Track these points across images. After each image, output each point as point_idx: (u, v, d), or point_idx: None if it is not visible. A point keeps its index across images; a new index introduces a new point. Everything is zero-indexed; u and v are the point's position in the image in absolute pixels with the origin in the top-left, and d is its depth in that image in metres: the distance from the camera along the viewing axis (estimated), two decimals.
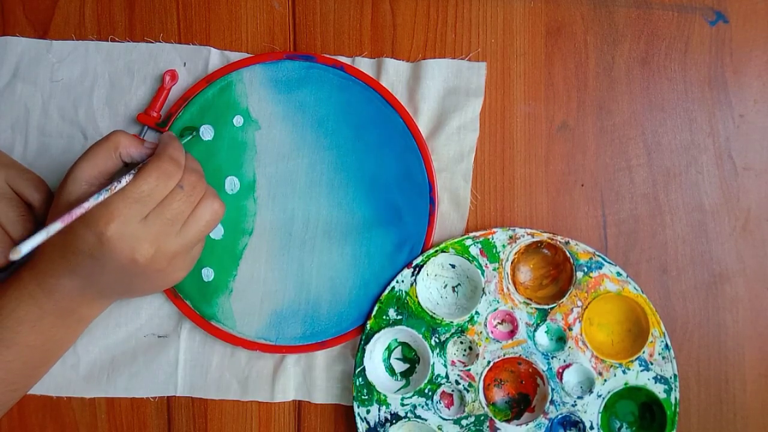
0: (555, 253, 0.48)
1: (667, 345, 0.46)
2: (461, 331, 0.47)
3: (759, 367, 0.48)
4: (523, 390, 0.48)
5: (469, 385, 0.47)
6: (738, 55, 0.50)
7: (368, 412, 0.47)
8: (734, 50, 0.50)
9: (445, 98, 0.49)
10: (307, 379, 0.49)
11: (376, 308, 0.48)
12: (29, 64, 0.51)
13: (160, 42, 0.51)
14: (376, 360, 0.48)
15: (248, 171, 0.49)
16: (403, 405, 0.47)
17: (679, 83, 0.50)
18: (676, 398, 0.46)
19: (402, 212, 0.48)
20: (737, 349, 0.49)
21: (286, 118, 0.49)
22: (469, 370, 0.47)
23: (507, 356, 0.47)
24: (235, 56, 0.50)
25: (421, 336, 0.47)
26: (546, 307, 0.47)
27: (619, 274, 0.47)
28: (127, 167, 0.44)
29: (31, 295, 0.42)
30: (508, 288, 0.47)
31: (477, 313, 0.47)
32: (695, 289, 0.49)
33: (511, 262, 0.47)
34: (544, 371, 0.47)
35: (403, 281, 0.48)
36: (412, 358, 0.49)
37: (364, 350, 0.47)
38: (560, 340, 0.47)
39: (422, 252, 0.48)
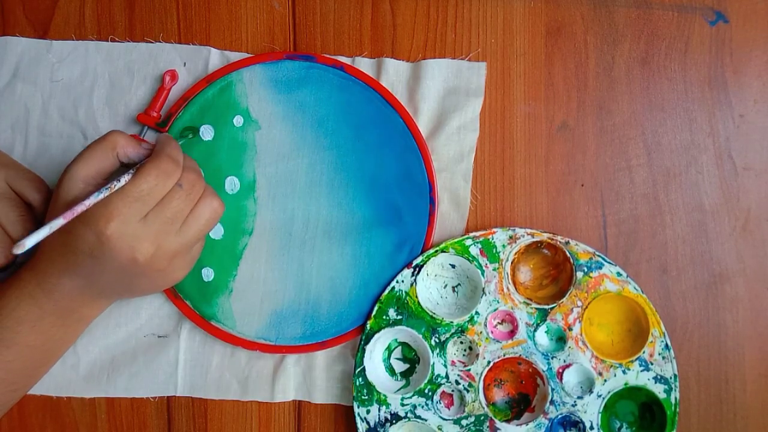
0: (555, 253, 0.48)
1: (667, 345, 0.46)
2: (461, 331, 0.47)
3: (759, 367, 0.48)
4: (523, 390, 0.48)
5: (469, 385, 0.47)
6: (738, 55, 0.50)
7: (368, 412, 0.47)
8: (734, 50, 0.50)
9: (445, 98, 0.49)
10: (307, 379, 0.49)
11: (376, 308, 0.48)
12: (29, 64, 0.51)
13: (160, 42, 0.51)
14: (376, 360, 0.48)
15: (248, 171, 0.49)
16: (403, 405, 0.47)
17: (679, 83, 0.50)
18: (676, 398, 0.46)
19: (402, 212, 0.48)
20: (737, 349, 0.49)
21: (286, 118, 0.49)
22: (469, 370, 0.47)
23: (507, 356, 0.47)
24: (235, 56, 0.50)
25: (421, 336, 0.47)
26: (546, 307, 0.47)
27: (619, 274, 0.47)
28: (124, 167, 0.44)
29: (30, 295, 0.42)
30: (508, 288, 0.47)
31: (477, 313, 0.47)
32: (695, 289, 0.49)
33: (511, 262, 0.47)
34: (544, 371, 0.47)
35: (403, 281, 0.48)
36: (412, 358, 0.49)
37: (364, 350, 0.47)
38: (560, 340, 0.47)
39: (422, 252, 0.48)
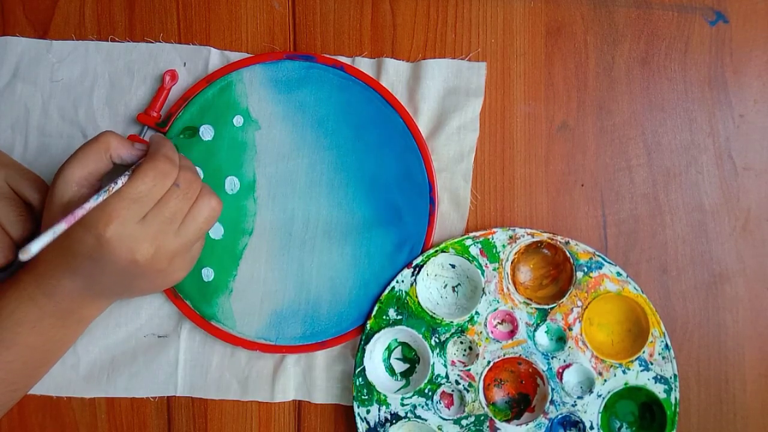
0: (555, 253, 0.48)
1: (667, 345, 0.46)
2: (461, 331, 0.47)
3: (759, 367, 0.48)
4: (523, 390, 0.48)
5: (469, 385, 0.47)
6: (738, 55, 0.50)
7: (368, 412, 0.47)
8: (734, 50, 0.50)
9: (445, 98, 0.49)
10: (307, 379, 0.49)
11: (376, 308, 0.48)
12: (29, 64, 0.51)
13: (160, 42, 0.51)
14: (376, 360, 0.48)
15: (248, 171, 0.49)
16: (403, 405, 0.47)
17: (679, 83, 0.50)
18: (676, 398, 0.46)
19: (402, 212, 0.48)
20: (737, 349, 0.49)
21: (286, 118, 0.49)
22: (469, 370, 0.47)
23: (507, 356, 0.47)
24: (235, 56, 0.50)
25: (421, 336, 0.47)
26: (546, 307, 0.47)
27: (619, 274, 0.47)
28: (117, 167, 0.44)
29: (30, 296, 0.42)
30: (508, 288, 0.47)
31: (477, 313, 0.47)
32: (695, 289, 0.49)
33: (511, 262, 0.47)
34: (544, 371, 0.47)
35: (403, 281, 0.48)
36: (412, 358, 0.49)
37: (364, 350, 0.47)
38: (560, 340, 0.47)
39: (422, 252, 0.48)
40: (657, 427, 0.46)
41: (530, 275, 0.49)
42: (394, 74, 0.50)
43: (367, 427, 0.47)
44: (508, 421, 0.47)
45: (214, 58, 0.50)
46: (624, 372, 0.46)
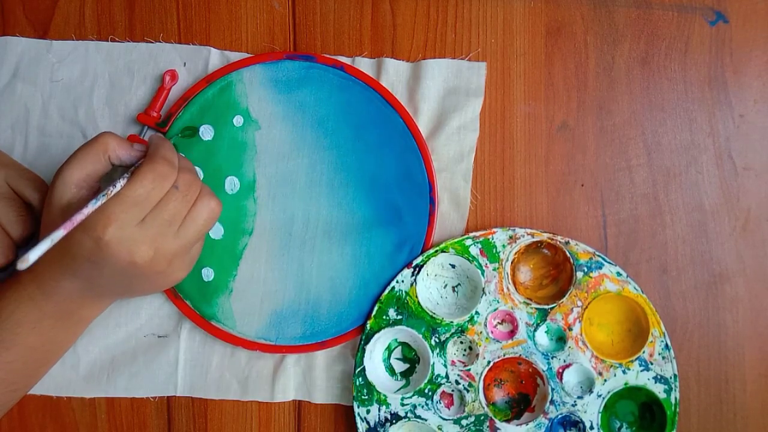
0: (555, 253, 0.48)
1: (667, 345, 0.46)
2: (461, 331, 0.47)
3: (759, 367, 0.48)
4: (523, 390, 0.48)
5: (469, 385, 0.47)
6: (738, 55, 0.50)
7: (368, 412, 0.47)
8: (734, 50, 0.50)
9: (445, 98, 0.49)
10: (307, 379, 0.49)
11: (376, 308, 0.48)
12: (29, 64, 0.51)
13: (160, 42, 0.51)
14: (376, 360, 0.48)
15: (248, 171, 0.49)
16: (403, 405, 0.47)
17: (679, 83, 0.50)
18: (676, 398, 0.46)
19: (402, 212, 0.48)
20: (737, 349, 0.49)
21: (286, 118, 0.49)
22: (469, 370, 0.47)
23: (507, 356, 0.47)
24: (235, 56, 0.50)
25: (421, 336, 0.47)
26: (546, 307, 0.47)
27: (619, 274, 0.47)
28: (117, 168, 0.44)
29: (30, 297, 0.42)
30: (508, 288, 0.47)
31: (477, 313, 0.47)
32: (695, 289, 0.49)
33: (511, 262, 0.47)
34: (544, 371, 0.47)
35: (403, 281, 0.48)
36: (412, 358, 0.49)
37: (364, 350, 0.47)
38: (560, 340, 0.47)
39: (422, 252, 0.48)
40: (657, 427, 0.46)
41: (530, 275, 0.49)
42: (394, 74, 0.50)
43: (367, 427, 0.47)
44: (508, 421, 0.47)
45: (214, 58, 0.50)
46: (624, 372, 0.46)
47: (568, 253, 0.47)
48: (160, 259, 0.40)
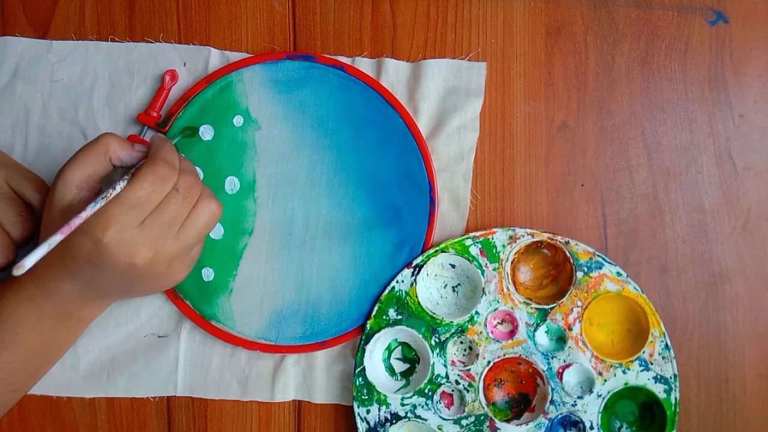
0: (555, 253, 0.48)
1: (667, 345, 0.46)
2: (461, 331, 0.47)
3: (759, 367, 0.48)
4: (523, 390, 0.48)
5: (469, 385, 0.47)
6: (738, 55, 0.50)
7: (368, 412, 0.47)
8: (734, 50, 0.50)
9: (445, 98, 0.49)
10: (307, 379, 0.49)
11: (376, 308, 0.48)
12: (29, 64, 0.51)
13: (160, 42, 0.51)
14: (376, 360, 0.48)
15: (248, 171, 0.49)
16: (403, 405, 0.47)
17: (679, 83, 0.50)
18: (676, 398, 0.46)
19: (402, 212, 0.48)
20: (737, 349, 0.49)
21: (286, 118, 0.49)
22: (469, 370, 0.47)
23: (507, 356, 0.47)
24: (235, 56, 0.50)
25: (421, 336, 0.47)
26: (546, 307, 0.47)
27: (619, 274, 0.47)
28: (118, 169, 0.44)
29: (30, 297, 0.42)
30: (508, 288, 0.47)
31: (477, 313, 0.47)
32: (695, 289, 0.49)
33: (511, 262, 0.47)
34: (544, 371, 0.47)
35: (403, 281, 0.48)
36: (412, 358, 0.49)
37: (364, 350, 0.47)
38: (560, 340, 0.47)
39: (422, 252, 0.48)
40: (657, 427, 0.46)
41: (530, 275, 0.49)
42: (394, 74, 0.50)
43: (367, 427, 0.47)
44: (508, 421, 0.47)
45: (214, 58, 0.50)
46: (624, 372, 0.46)
47: (568, 253, 0.47)
48: (160, 260, 0.40)
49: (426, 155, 0.48)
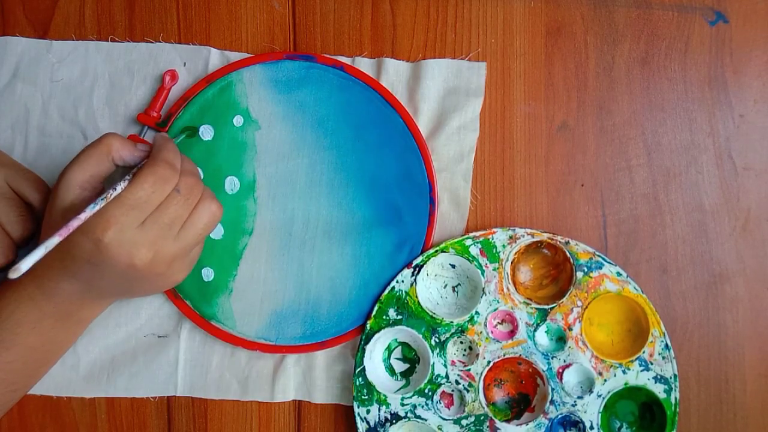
0: (555, 253, 0.48)
1: (667, 345, 0.46)
2: (461, 331, 0.47)
3: (759, 367, 0.48)
4: (523, 390, 0.48)
5: (469, 385, 0.47)
6: (738, 55, 0.50)
7: (368, 412, 0.47)
8: (734, 50, 0.50)
9: (445, 98, 0.49)
10: (307, 379, 0.49)
11: (376, 308, 0.48)
12: (29, 64, 0.51)
13: (160, 42, 0.51)
14: (376, 360, 0.48)
15: (248, 171, 0.49)
16: (403, 405, 0.47)
17: (679, 83, 0.50)
18: (676, 398, 0.46)
19: (402, 212, 0.48)
20: (737, 349, 0.49)
21: (286, 118, 0.49)
22: (469, 370, 0.47)
23: (507, 356, 0.47)
24: (235, 56, 0.50)
25: (421, 336, 0.47)
26: (546, 307, 0.47)
27: (619, 274, 0.47)
28: (120, 169, 0.44)
29: (30, 297, 0.42)
30: (508, 288, 0.47)
31: (477, 313, 0.47)
32: (695, 289, 0.49)
33: (511, 262, 0.47)
34: (544, 371, 0.47)
35: (403, 281, 0.48)
36: (412, 358, 0.49)
37: (364, 350, 0.47)
38: (560, 340, 0.47)
39: (422, 252, 0.48)
40: (657, 427, 0.46)
41: (530, 275, 0.49)
42: (394, 74, 0.50)
43: (367, 427, 0.47)
44: (508, 421, 0.47)
45: (214, 58, 0.50)
46: (624, 372, 0.46)
47: (568, 253, 0.47)
48: (160, 261, 0.40)
49: (426, 155, 0.48)
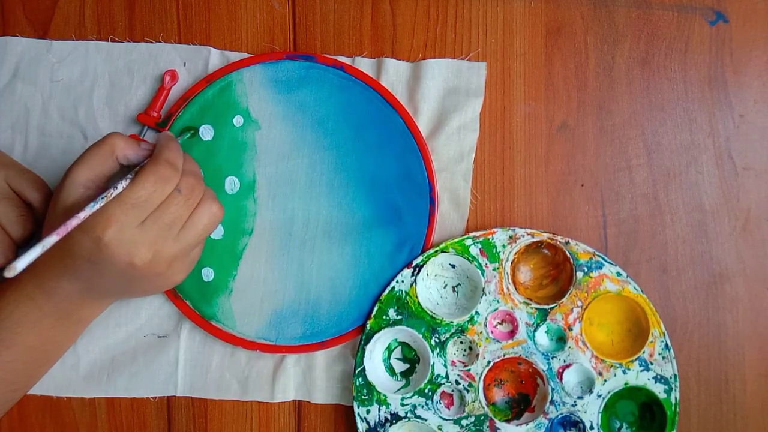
0: (555, 253, 0.48)
1: (667, 345, 0.46)
2: (461, 331, 0.47)
3: (759, 367, 0.48)
4: (523, 390, 0.48)
5: (469, 385, 0.47)
6: (738, 55, 0.50)
7: (368, 412, 0.47)
8: (734, 50, 0.50)
9: (445, 98, 0.49)
10: (307, 379, 0.49)
11: (376, 308, 0.48)
12: (29, 64, 0.51)
13: (160, 42, 0.51)
14: (376, 360, 0.48)
15: (248, 171, 0.49)
16: (403, 405, 0.47)
17: (679, 83, 0.50)
18: (676, 398, 0.46)
19: (402, 212, 0.48)
20: (737, 349, 0.49)
21: (286, 118, 0.49)
22: (469, 370, 0.47)
23: (507, 356, 0.47)
24: (235, 56, 0.50)
25: (421, 336, 0.47)
26: (546, 307, 0.47)
27: (619, 274, 0.47)
28: (124, 169, 0.44)
29: (30, 296, 0.42)
30: (508, 288, 0.47)
31: (477, 313, 0.47)
32: (695, 289, 0.49)
33: (511, 262, 0.47)
34: (544, 371, 0.47)
35: (403, 281, 0.48)
36: (412, 358, 0.49)
37: (364, 350, 0.47)
38: (560, 340, 0.47)
39: (422, 252, 0.48)
40: (657, 427, 0.46)
41: (530, 275, 0.49)
42: (394, 74, 0.50)
43: (367, 427, 0.47)
44: (508, 421, 0.47)
45: (214, 58, 0.50)
46: (624, 372, 0.46)
47: (568, 253, 0.47)
48: (160, 261, 0.40)
49: (426, 155, 0.48)
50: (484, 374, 0.47)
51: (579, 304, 0.47)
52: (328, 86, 0.49)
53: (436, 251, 0.48)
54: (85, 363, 0.49)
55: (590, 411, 0.46)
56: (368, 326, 0.48)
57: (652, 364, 0.46)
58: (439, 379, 0.47)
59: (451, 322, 0.47)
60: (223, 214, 0.43)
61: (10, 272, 0.35)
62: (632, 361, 0.46)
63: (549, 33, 0.50)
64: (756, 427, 0.48)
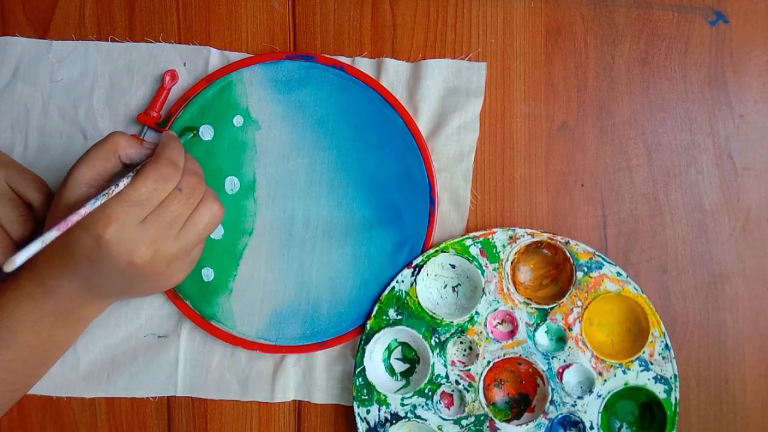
0: (555, 253, 0.48)
1: (667, 345, 0.46)
2: (461, 331, 0.47)
3: (759, 367, 0.48)
4: (523, 390, 0.48)
5: (469, 385, 0.47)
6: (738, 55, 0.50)
7: (368, 412, 0.47)
8: (734, 50, 0.50)
9: (445, 98, 0.49)
10: (307, 379, 0.49)
11: (376, 308, 0.48)
12: (29, 64, 0.51)
13: (160, 42, 0.51)
14: (376, 360, 0.48)
15: (248, 171, 0.49)
16: (403, 405, 0.47)
17: (679, 83, 0.50)
18: (676, 398, 0.46)
19: (402, 212, 0.48)
20: (737, 349, 0.49)
21: (286, 118, 0.49)
22: (469, 370, 0.47)
23: (507, 356, 0.47)
24: (235, 56, 0.50)
25: (421, 336, 0.47)
26: (546, 307, 0.47)
27: (619, 274, 0.47)
28: (126, 168, 0.44)
29: (30, 295, 0.42)
30: (508, 288, 0.47)
31: (477, 313, 0.47)
32: (695, 289, 0.49)
33: (511, 262, 0.47)
34: (544, 371, 0.47)
35: (403, 281, 0.48)
36: (412, 358, 0.49)
37: (364, 350, 0.47)
38: (560, 340, 0.47)
39: (422, 252, 0.48)
40: (657, 427, 0.46)
41: (530, 275, 0.49)
42: (394, 74, 0.50)
43: (367, 427, 0.47)
44: (508, 421, 0.47)
45: (214, 58, 0.50)
46: (624, 372, 0.46)
47: (568, 253, 0.47)
48: (160, 260, 0.40)
49: (426, 155, 0.48)
50: (484, 374, 0.47)
51: (579, 304, 0.47)
52: (328, 86, 0.49)
53: (436, 251, 0.48)
54: (85, 363, 0.49)
55: (590, 411, 0.46)
56: (368, 326, 0.48)
57: (652, 364, 0.46)
58: (439, 379, 0.47)
59: (451, 322, 0.47)
60: (223, 213, 0.43)
61: (9, 266, 0.34)
62: (632, 361, 0.46)
63: (549, 33, 0.50)
64: (756, 427, 0.48)
